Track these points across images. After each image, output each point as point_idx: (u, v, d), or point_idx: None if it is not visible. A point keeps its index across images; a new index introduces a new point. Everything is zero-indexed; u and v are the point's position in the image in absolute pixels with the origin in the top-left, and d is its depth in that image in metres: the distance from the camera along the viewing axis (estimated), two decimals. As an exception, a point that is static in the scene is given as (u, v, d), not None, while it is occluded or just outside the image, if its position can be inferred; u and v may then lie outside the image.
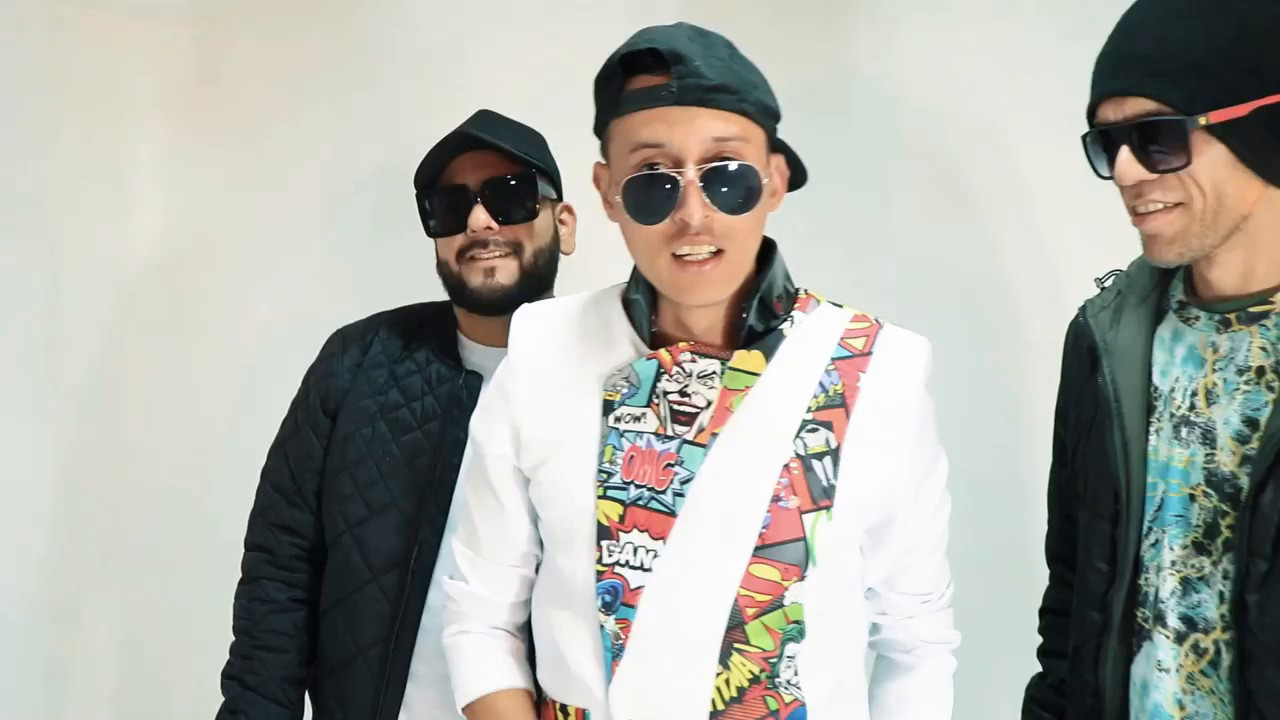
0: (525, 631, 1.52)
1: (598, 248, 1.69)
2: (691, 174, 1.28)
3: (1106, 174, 1.41)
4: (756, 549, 1.33)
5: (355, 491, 1.74)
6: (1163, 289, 1.51)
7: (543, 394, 1.42)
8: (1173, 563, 1.41)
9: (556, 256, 1.83)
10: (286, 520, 1.82)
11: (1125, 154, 1.35)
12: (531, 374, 1.44)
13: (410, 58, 2.29)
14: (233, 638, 1.82)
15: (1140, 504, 1.45)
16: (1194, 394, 1.42)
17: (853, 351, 1.41)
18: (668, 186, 1.29)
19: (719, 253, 1.31)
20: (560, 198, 1.87)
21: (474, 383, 1.76)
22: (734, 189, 1.30)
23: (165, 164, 2.38)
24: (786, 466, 1.35)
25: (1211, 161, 1.32)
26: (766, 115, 1.35)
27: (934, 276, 2.05)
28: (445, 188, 1.77)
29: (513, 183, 1.75)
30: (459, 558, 1.52)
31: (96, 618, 2.41)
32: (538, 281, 1.78)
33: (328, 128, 2.33)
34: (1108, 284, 1.57)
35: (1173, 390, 1.44)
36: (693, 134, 1.28)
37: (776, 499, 1.34)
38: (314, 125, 2.34)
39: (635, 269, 1.43)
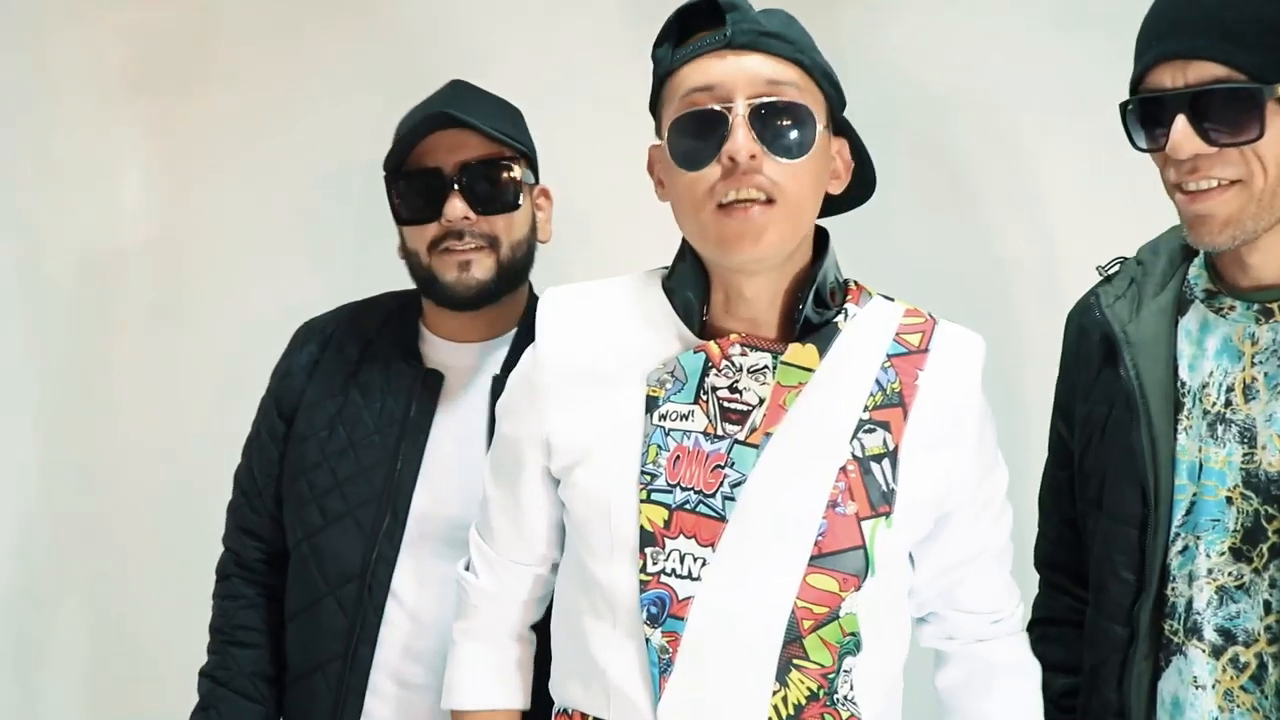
0: (536, 631, 1.45)
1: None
2: (740, 108, 1.20)
3: (1148, 146, 1.30)
4: (812, 558, 1.23)
5: (312, 498, 1.62)
6: (1182, 277, 1.41)
7: (576, 388, 1.30)
8: (1209, 571, 1.31)
9: (534, 246, 1.66)
10: (249, 524, 1.72)
11: (1182, 124, 1.23)
12: (563, 366, 1.32)
13: (408, 52, 2.17)
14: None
15: (1168, 508, 1.35)
16: (1229, 389, 1.33)
17: (909, 348, 1.31)
18: (715, 124, 1.20)
19: (770, 202, 1.21)
20: (537, 180, 1.70)
21: (434, 383, 1.63)
22: (786, 129, 1.21)
23: (151, 154, 2.26)
24: (843, 469, 1.25)
25: (1278, 136, 1.21)
26: (827, 80, 1.27)
27: (930, 270, 1.95)
28: (417, 170, 1.58)
29: (493, 168, 1.58)
30: (473, 549, 1.42)
31: (75, 609, 2.32)
32: (515, 276, 1.63)
33: (320, 120, 2.20)
34: (1113, 272, 1.47)
35: (1205, 385, 1.35)
36: (743, 72, 1.21)
37: (833, 504, 1.24)
38: (306, 117, 2.21)
39: (679, 254, 1.32)
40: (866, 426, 1.27)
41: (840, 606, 1.23)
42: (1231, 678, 1.30)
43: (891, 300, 1.35)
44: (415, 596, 1.57)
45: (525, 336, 1.58)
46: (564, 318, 1.33)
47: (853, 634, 1.24)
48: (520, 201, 1.60)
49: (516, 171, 1.59)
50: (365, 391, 1.64)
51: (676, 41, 1.26)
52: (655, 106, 1.30)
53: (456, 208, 1.55)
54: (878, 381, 1.28)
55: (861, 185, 1.35)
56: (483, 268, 1.57)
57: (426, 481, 1.59)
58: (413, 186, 1.58)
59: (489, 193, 1.57)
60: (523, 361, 1.38)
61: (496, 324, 1.63)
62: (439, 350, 1.66)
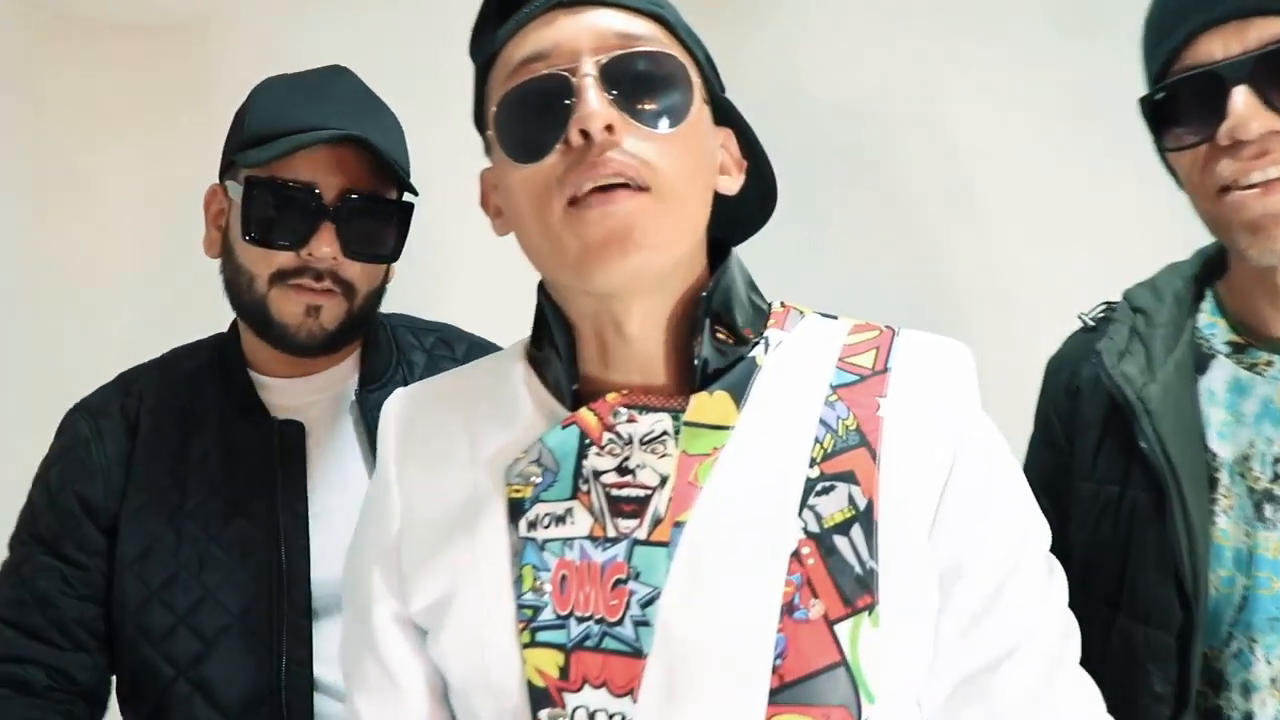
0: None
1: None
2: (588, 66, 0.91)
3: (1183, 143, 1.09)
4: (774, 693, 0.87)
5: (176, 622, 1.30)
6: (1192, 329, 1.20)
7: (425, 507, 1.00)
8: (1273, 680, 1.11)
9: (385, 290, 1.42)
10: (39, 657, 1.30)
11: (1244, 96, 1.03)
12: (408, 482, 1.02)
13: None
14: None
15: (1206, 605, 1.13)
16: (1276, 460, 1.12)
17: (860, 374, 0.97)
18: (556, 92, 0.91)
19: (642, 190, 0.90)
20: None
21: (295, 434, 1.36)
22: (651, 90, 0.91)
23: None
24: (795, 556, 0.90)
25: None
26: (699, 47, 0.99)
27: (864, 292, 1.74)
28: (286, 184, 1.28)
29: (380, 209, 1.33)
30: None
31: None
32: (362, 325, 1.39)
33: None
34: (1098, 317, 1.25)
35: (1246, 458, 1.13)
36: (586, 29, 0.93)
37: (789, 608, 0.88)
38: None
39: (538, 306, 1.02)
40: (819, 487, 0.92)
41: None
42: (1303, 798, 1.10)
43: (834, 319, 1.04)
44: None
45: (373, 348, 1.43)
46: (408, 420, 1.05)
47: None
48: (400, 253, 1.37)
49: (409, 218, 1.35)
50: (204, 471, 1.34)
51: (497, 24, 0.97)
52: (480, 113, 1.00)
53: (326, 245, 1.29)
54: (823, 422, 0.94)
55: (762, 193, 1.05)
56: (332, 316, 1.32)
57: (320, 549, 1.31)
58: (277, 202, 1.29)
59: (368, 237, 1.32)
60: (367, 492, 1.08)
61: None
62: (282, 392, 1.39)
